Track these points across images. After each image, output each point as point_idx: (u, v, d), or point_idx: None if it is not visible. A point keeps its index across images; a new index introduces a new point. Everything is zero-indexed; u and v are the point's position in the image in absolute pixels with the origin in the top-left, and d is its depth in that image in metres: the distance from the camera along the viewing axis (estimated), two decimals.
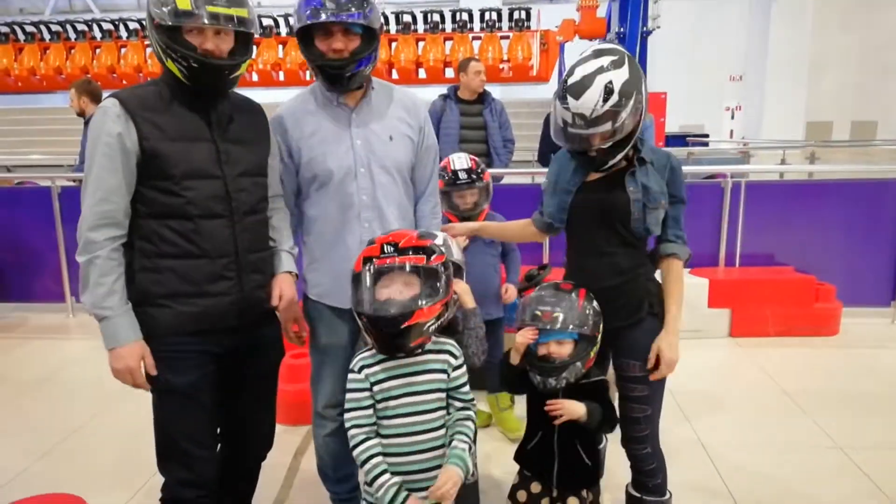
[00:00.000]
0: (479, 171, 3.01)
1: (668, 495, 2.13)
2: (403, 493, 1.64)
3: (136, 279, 1.79)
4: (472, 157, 3.07)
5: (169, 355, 1.81)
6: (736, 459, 2.92)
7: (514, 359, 1.98)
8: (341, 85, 1.99)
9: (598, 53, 1.88)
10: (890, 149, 12.05)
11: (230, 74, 1.80)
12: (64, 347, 4.67)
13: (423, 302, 1.63)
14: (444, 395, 1.73)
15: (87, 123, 5.39)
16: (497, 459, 2.88)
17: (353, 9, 1.88)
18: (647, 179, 1.95)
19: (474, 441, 1.76)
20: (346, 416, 1.70)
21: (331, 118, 2.05)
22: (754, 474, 2.80)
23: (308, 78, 10.10)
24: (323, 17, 1.88)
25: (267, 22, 10.47)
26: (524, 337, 1.94)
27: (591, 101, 1.81)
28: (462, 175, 2.97)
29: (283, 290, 2.00)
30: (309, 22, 1.90)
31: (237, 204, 1.85)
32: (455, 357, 1.76)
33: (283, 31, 10.57)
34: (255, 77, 10.49)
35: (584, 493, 2.01)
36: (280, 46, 10.59)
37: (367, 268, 1.67)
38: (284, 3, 14.17)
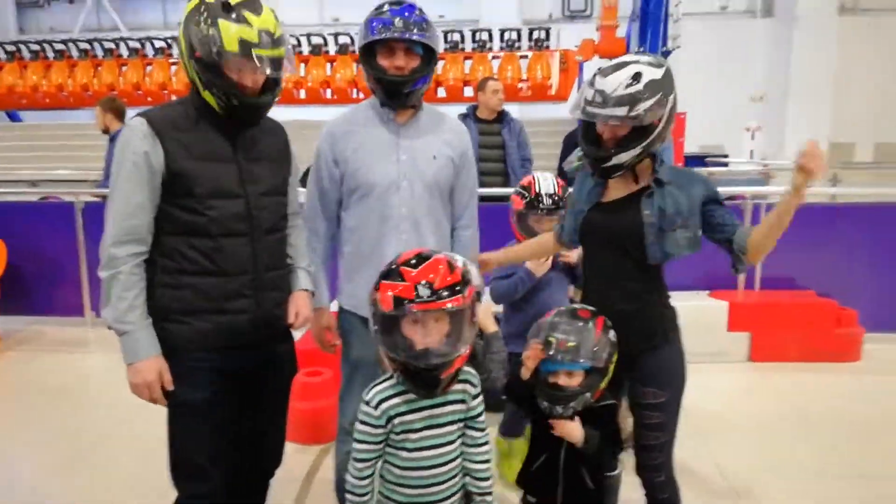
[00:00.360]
0: (565, 195, 2.70)
1: None
2: None
3: (156, 295, 1.82)
4: (559, 178, 2.81)
5: (186, 371, 1.83)
6: (750, 482, 2.89)
7: (525, 374, 1.95)
8: (399, 100, 2.12)
9: (640, 54, 1.91)
10: None
11: (265, 111, 1.89)
12: (82, 360, 4.72)
13: (462, 348, 1.60)
14: (462, 424, 1.72)
15: (111, 140, 5.50)
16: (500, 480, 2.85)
17: (416, 30, 2.04)
18: (663, 202, 1.91)
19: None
20: (355, 445, 1.67)
21: (380, 132, 2.17)
22: (768, 498, 2.77)
23: (356, 96, 10.16)
24: (389, 34, 2.02)
25: (316, 41, 10.61)
26: (533, 353, 1.91)
27: (616, 80, 1.83)
28: (546, 200, 2.69)
29: (300, 308, 2.03)
30: (375, 37, 2.04)
31: (258, 222, 1.89)
32: (474, 386, 1.74)
33: (332, 49, 10.69)
34: (303, 94, 10.57)
35: None
36: (329, 64, 10.74)
37: (400, 311, 1.56)
38: (360, 22, 14.51)
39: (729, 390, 4.00)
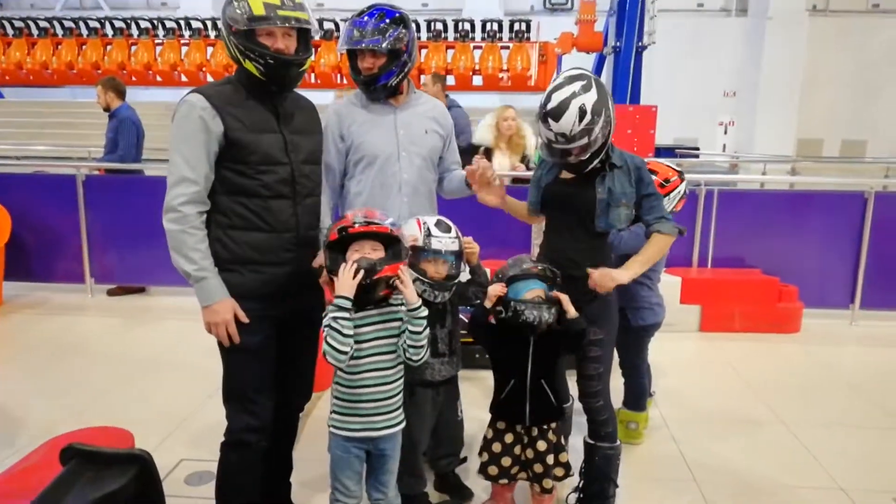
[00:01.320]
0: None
1: (618, 442, 2.51)
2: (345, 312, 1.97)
3: (213, 248, 2.06)
4: None
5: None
6: (697, 439, 3.28)
7: (488, 304, 2.36)
8: (375, 94, 2.52)
9: (569, 80, 2.24)
10: (875, 166, 12.45)
11: (299, 69, 2.10)
12: (83, 323, 5.01)
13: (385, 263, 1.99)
14: (398, 338, 2.08)
15: (111, 117, 5.76)
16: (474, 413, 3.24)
17: (377, 35, 2.41)
18: (612, 182, 2.34)
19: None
20: (331, 327, 1.97)
21: (379, 112, 2.56)
22: (713, 453, 3.15)
23: (340, 81, 10.55)
24: (350, 45, 2.45)
25: (328, 25, 10.81)
26: (496, 290, 2.33)
27: (568, 122, 2.18)
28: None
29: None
30: (346, 48, 2.47)
31: (300, 187, 2.15)
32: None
33: (317, 35, 10.89)
34: (314, 79, 10.84)
35: (550, 434, 2.39)
36: (313, 49, 10.90)
37: (342, 233, 2.01)
38: (346, 7, 14.58)
39: (680, 357, 4.42)
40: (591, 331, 2.39)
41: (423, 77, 6.02)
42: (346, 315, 1.97)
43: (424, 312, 2.06)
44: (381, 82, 2.47)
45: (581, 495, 2.56)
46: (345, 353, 1.97)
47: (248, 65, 2.03)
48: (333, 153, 2.56)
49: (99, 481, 1.83)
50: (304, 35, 2.10)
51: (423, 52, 10.60)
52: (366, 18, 2.45)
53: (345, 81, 10.43)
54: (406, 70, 2.51)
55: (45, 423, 3.24)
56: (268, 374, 2.19)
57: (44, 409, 3.49)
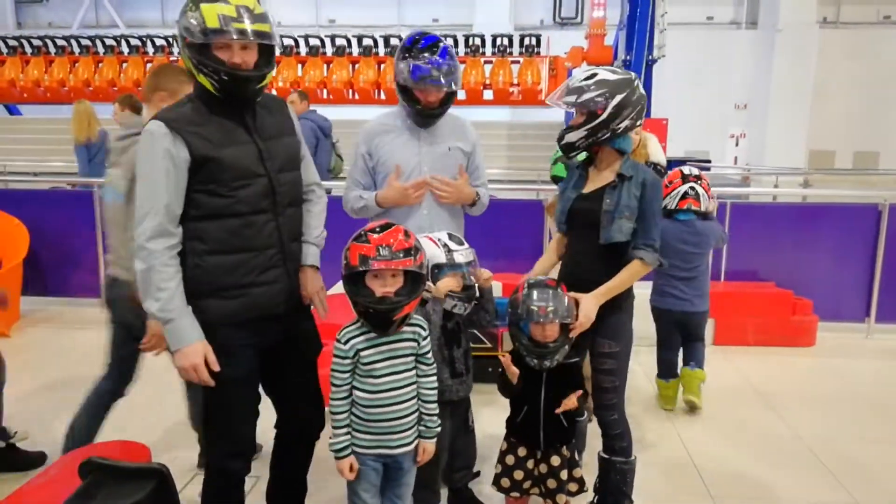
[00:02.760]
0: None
1: (633, 457, 2.50)
2: (347, 452, 2.04)
3: (188, 277, 1.93)
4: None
5: (220, 348, 1.96)
6: (713, 453, 3.27)
7: (512, 379, 2.37)
8: (430, 122, 2.67)
9: (616, 69, 2.39)
10: (889, 178, 12.38)
11: (257, 85, 1.95)
12: (99, 338, 4.99)
13: (410, 299, 1.98)
14: (414, 359, 2.10)
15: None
16: (489, 420, 3.23)
17: (450, 76, 2.56)
18: (619, 195, 2.35)
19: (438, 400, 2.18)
20: (332, 374, 2.03)
21: (407, 131, 2.71)
22: (729, 467, 3.14)
23: (378, 97, 10.82)
24: (429, 83, 2.54)
25: (340, 42, 11.04)
26: (447, 285, 2.30)
27: (576, 78, 2.38)
28: None
29: (305, 284, 2.17)
30: (418, 84, 2.54)
31: (280, 198, 2.03)
32: (423, 329, 2.13)
33: (356, 51, 11.07)
34: (325, 94, 10.97)
35: (564, 450, 2.38)
36: (325, 65, 11.07)
37: (363, 266, 1.93)
38: (357, 23, 14.75)
39: None
40: (606, 343, 2.40)
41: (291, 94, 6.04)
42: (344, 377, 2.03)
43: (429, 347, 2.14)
44: (439, 112, 2.65)
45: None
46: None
47: (202, 79, 1.90)
48: (361, 170, 2.74)
49: (117, 495, 1.86)
50: (265, 48, 1.95)
51: None
52: (441, 59, 2.55)
53: (384, 97, 10.71)
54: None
55: (62, 437, 3.25)
56: (251, 402, 2.12)
57: (60, 423, 3.51)
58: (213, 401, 2.07)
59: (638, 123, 2.37)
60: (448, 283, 2.32)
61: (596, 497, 2.57)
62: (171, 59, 11.60)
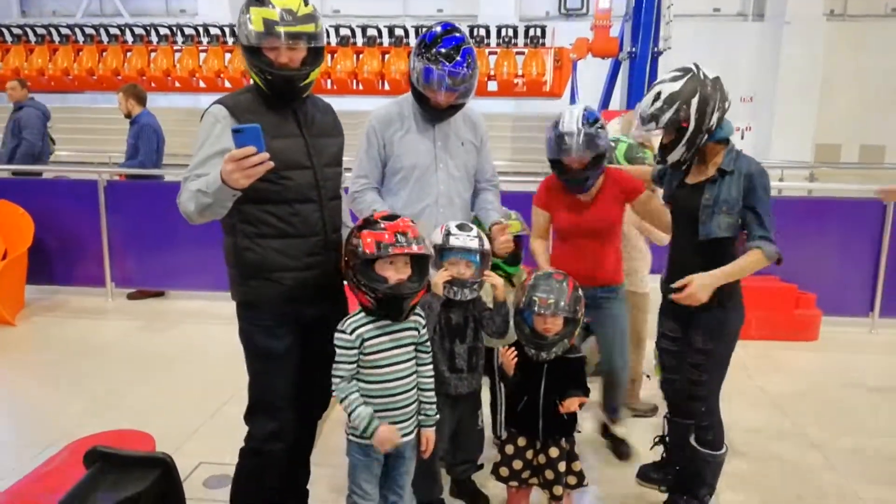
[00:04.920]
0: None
1: (724, 449, 2.55)
2: (376, 422, 2.04)
3: (239, 257, 2.09)
4: None
5: (269, 324, 2.11)
6: None
7: (509, 373, 2.40)
8: (441, 120, 2.61)
9: (675, 70, 2.39)
10: (895, 172, 12.34)
11: (301, 83, 2.07)
12: (103, 326, 5.08)
13: (419, 285, 2.05)
14: (414, 347, 2.14)
15: (132, 123, 5.85)
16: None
17: (467, 83, 2.49)
18: (720, 189, 2.35)
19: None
20: (335, 366, 2.05)
21: (418, 125, 2.62)
22: (731, 462, 3.03)
23: (382, 87, 10.68)
24: (442, 89, 2.45)
25: (344, 32, 10.89)
26: (441, 278, 2.33)
27: (645, 104, 2.38)
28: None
29: None
30: (430, 88, 2.46)
31: (324, 191, 2.16)
32: (422, 318, 2.18)
33: (360, 41, 10.95)
34: (329, 84, 10.86)
35: (562, 442, 2.39)
36: (329, 56, 11.02)
37: (383, 251, 1.97)
38: (362, 13, 14.70)
39: None
40: (700, 339, 2.44)
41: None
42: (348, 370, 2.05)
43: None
44: (447, 113, 2.59)
45: (674, 482, 2.69)
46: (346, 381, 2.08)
47: (255, 78, 2.07)
48: (373, 160, 2.62)
49: (122, 484, 1.87)
50: (313, 46, 2.07)
51: None
52: (458, 68, 2.44)
53: (387, 87, 10.62)
54: None
55: (66, 425, 3.28)
56: (292, 381, 2.20)
57: (64, 411, 3.55)
58: (257, 377, 2.18)
59: (727, 106, 2.37)
60: (442, 276, 2.34)
61: (668, 475, 2.74)
62: (175, 48, 11.59)
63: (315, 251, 2.15)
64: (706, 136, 2.34)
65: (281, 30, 1.97)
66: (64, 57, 11.94)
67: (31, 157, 6.34)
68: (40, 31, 12.19)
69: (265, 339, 2.12)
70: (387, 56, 10.83)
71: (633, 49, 10.22)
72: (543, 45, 10.84)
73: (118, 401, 3.69)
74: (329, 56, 11.07)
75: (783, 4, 15.05)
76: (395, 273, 2.01)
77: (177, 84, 11.72)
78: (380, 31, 10.95)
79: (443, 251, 2.37)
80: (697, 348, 2.46)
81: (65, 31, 12.12)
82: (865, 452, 3.24)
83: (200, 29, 11.61)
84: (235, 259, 2.11)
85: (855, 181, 12.47)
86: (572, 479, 2.43)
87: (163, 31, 11.82)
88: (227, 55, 11.30)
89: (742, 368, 4.31)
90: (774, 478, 3.00)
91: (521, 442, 2.44)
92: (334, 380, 2.07)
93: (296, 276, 2.11)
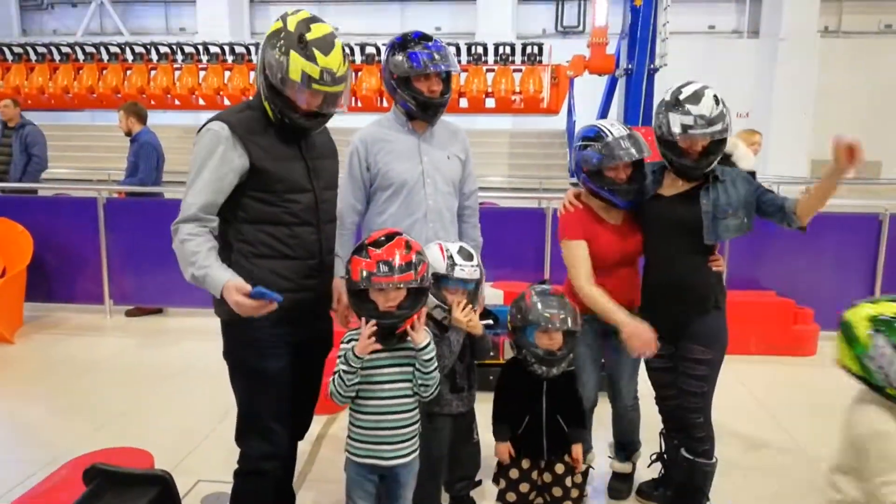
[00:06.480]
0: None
1: (714, 459, 2.54)
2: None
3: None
4: None
5: (261, 343, 2.07)
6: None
7: (504, 461, 2.44)
8: (434, 115, 2.56)
9: (693, 82, 2.36)
10: (890, 187, 12.39)
11: (316, 127, 2.11)
12: (102, 344, 5.07)
13: (413, 311, 2.01)
14: (413, 368, 2.10)
15: (132, 141, 5.88)
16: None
17: (448, 60, 2.49)
18: (717, 194, 2.38)
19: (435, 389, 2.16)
20: (334, 380, 2.05)
21: (404, 141, 2.60)
22: (730, 477, 3.06)
23: (380, 104, 10.70)
24: (431, 68, 2.46)
25: (370, 50, 10.98)
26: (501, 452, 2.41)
27: (707, 105, 2.28)
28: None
29: (342, 294, 2.28)
30: (422, 71, 2.45)
31: (322, 214, 2.16)
32: (428, 334, 2.13)
33: (359, 58, 11.02)
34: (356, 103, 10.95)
35: (567, 458, 2.40)
36: (354, 74, 10.96)
37: (365, 282, 1.97)
38: (360, 31, 14.78)
39: None
40: (699, 349, 2.42)
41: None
42: (355, 372, 2.02)
43: (432, 353, 2.09)
44: (441, 102, 2.55)
45: (673, 497, 2.68)
46: (349, 397, 2.06)
47: (268, 107, 2.03)
48: (359, 180, 2.58)
49: (121, 501, 1.87)
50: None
51: None
52: (438, 45, 2.52)
53: (386, 104, 10.57)
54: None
55: (64, 442, 3.28)
56: (285, 401, 2.17)
57: (63, 428, 3.54)
58: (250, 396, 2.14)
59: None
60: (463, 314, 2.30)
61: (667, 491, 2.72)
62: (175, 66, 11.68)
63: (311, 273, 2.15)
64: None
65: (317, 88, 1.95)
66: (64, 75, 12.02)
67: (40, 174, 6.48)
68: (41, 49, 12.27)
69: (257, 360, 2.09)
70: None
71: (630, 66, 10.32)
72: (540, 62, 10.94)
73: (117, 418, 3.68)
74: None
75: (778, 22, 15.22)
76: (384, 301, 1.99)
77: (176, 102, 11.83)
78: (378, 49, 11.04)
79: (445, 280, 2.33)
80: (697, 359, 2.44)
81: (65, 49, 12.21)
82: None
83: (200, 47, 11.72)
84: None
85: (851, 196, 12.54)
86: (575, 493, 2.44)
87: (163, 49, 11.92)
88: (227, 73, 11.40)
89: (740, 384, 4.32)
90: (773, 493, 2.99)
91: (525, 464, 2.44)
92: (337, 382, 2.04)
93: (290, 298, 2.03)
